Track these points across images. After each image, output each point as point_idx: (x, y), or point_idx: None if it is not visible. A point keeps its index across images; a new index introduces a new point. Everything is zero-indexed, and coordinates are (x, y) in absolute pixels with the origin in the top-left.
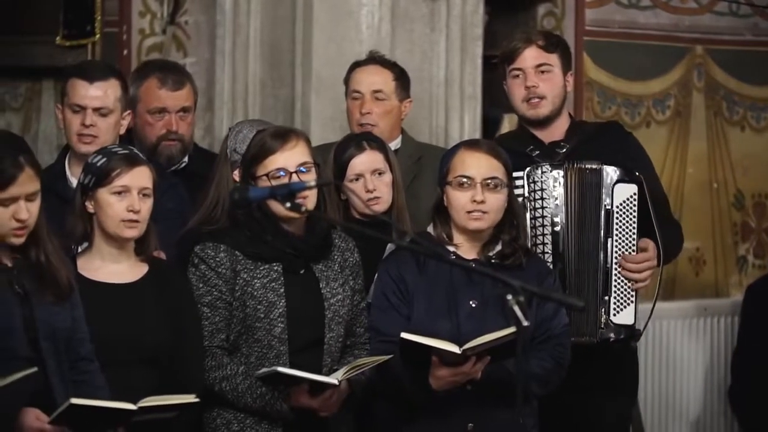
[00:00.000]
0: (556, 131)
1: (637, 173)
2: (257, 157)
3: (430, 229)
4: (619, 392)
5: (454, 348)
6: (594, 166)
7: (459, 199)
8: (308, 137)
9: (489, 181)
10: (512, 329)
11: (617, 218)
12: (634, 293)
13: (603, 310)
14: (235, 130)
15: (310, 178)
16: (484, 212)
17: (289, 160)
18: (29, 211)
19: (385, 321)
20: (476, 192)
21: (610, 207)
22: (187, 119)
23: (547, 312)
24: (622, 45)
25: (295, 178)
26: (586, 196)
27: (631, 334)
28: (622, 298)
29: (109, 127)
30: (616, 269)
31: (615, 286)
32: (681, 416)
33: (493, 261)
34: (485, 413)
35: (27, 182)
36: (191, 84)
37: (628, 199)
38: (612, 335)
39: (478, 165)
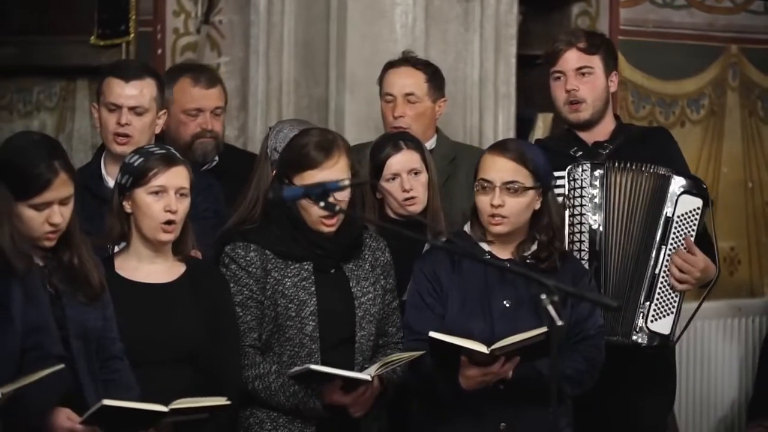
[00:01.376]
0: (601, 132)
1: (704, 186)
2: (297, 166)
3: (467, 228)
4: (657, 394)
5: (482, 348)
6: (663, 172)
7: (481, 203)
8: (348, 144)
9: (509, 185)
10: (542, 330)
11: (675, 228)
12: (676, 305)
13: (642, 314)
14: (275, 130)
15: (344, 195)
16: (503, 216)
17: (328, 177)
18: (62, 216)
19: (419, 319)
20: (494, 196)
21: (671, 215)
22: (220, 118)
23: (582, 313)
24: (657, 44)
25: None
26: (646, 199)
27: (664, 343)
28: (663, 306)
29: (144, 126)
30: (663, 278)
31: (659, 294)
32: (715, 416)
33: (528, 261)
34: (518, 413)
35: (61, 187)
36: (222, 84)
37: (691, 212)
38: (645, 340)
39: (498, 169)
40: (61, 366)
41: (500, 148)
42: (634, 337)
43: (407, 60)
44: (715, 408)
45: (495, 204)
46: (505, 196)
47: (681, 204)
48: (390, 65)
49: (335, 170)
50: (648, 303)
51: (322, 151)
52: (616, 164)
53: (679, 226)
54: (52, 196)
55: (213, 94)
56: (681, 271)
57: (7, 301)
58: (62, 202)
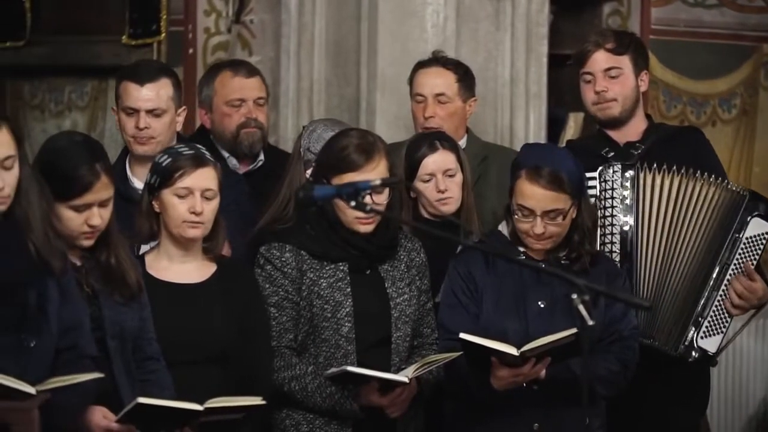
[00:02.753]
0: (632, 132)
1: None
2: (336, 168)
3: (501, 227)
4: (691, 397)
5: (512, 350)
6: (740, 190)
7: (520, 225)
8: (387, 146)
9: (549, 213)
10: (572, 331)
11: (741, 250)
12: (728, 325)
13: (694, 328)
14: (309, 129)
15: (383, 199)
16: (545, 239)
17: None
18: (101, 217)
19: (454, 319)
20: (536, 224)
21: (739, 236)
22: (263, 109)
23: (616, 313)
24: (688, 44)
25: (368, 198)
26: (717, 212)
27: (708, 360)
28: (715, 324)
29: (163, 127)
30: (721, 296)
31: (713, 312)
32: (746, 414)
33: (562, 261)
34: (551, 413)
35: (102, 190)
36: (261, 76)
37: (759, 236)
38: (692, 355)
39: (537, 198)
40: (99, 375)
41: (535, 174)
42: (683, 351)
43: (437, 60)
44: (747, 407)
45: (537, 232)
46: (546, 222)
47: (752, 226)
48: (420, 65)
49: (375, 173)
50: (701, 319)
51: (363, 154)
52: (648, 166)
53: (746, 248)
54: (92, 198)
55: (254, 83)
56: (740, 296)
57: (43, 301)
58: (102, 204)
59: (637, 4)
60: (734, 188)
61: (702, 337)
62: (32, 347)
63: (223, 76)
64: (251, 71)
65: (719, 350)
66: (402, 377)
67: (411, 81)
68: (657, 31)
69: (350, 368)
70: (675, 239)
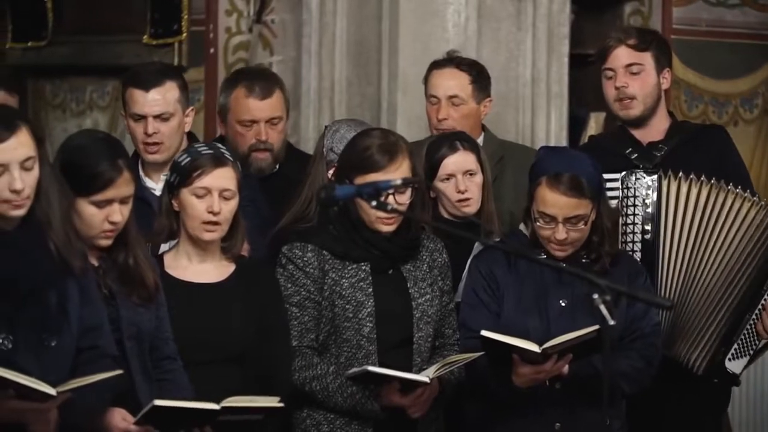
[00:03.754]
0: (654, 131)
1: None
2: (359, 168)
3: (522, 227)
4: (711, 401)
5: (533, 347)
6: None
7: (542, 232)
8: (410, 146)
9: (571, 219)
10: (593, 328)
11: None
12: (757, 347)
13: (723, 350)
14: (332, 129)
15: (405, 199)
16: (567, 245)
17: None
18: (122, 215)
19: (475, 317)
20: (557, 231)
21: None
22: (277, 127)
23: (637, 311)
24: (710, 43)
25: (390, 198)
26: (749, 232)
27: (732, 381)
28: (745, 347)
29: (172, 130)
30: (754, 319)
31: (745, 334)
32: None
33: (584, 260)
34: (573, 413)
35: (123, 186)
36: (281, 90)
37: None
38: (717, 377)
39: (559, 206)
40: (120, 372)
41: (556, 181)
42: (708, 370)
43: (451, 60)
44: None
45: (559, 239)
46: (568, 228)
47: None
48: (435, 65)
49: (398, 174)
50: (733, 339)
51: (386, 155)
52: (672, 173)
53: None
54: (114, 194)
55: (266, 105)
56: None
57: (64, 301)
58: (123, 201)
59: (658, 3)
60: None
61: (730, 359)
62: (53, 346)
63: (238, 93)
64: (267, 90)
65: (743, 371)
66: (423, 377)
67: (425, 81)
68: (678, 30)
69: (371, 368)
70: (701, 250)
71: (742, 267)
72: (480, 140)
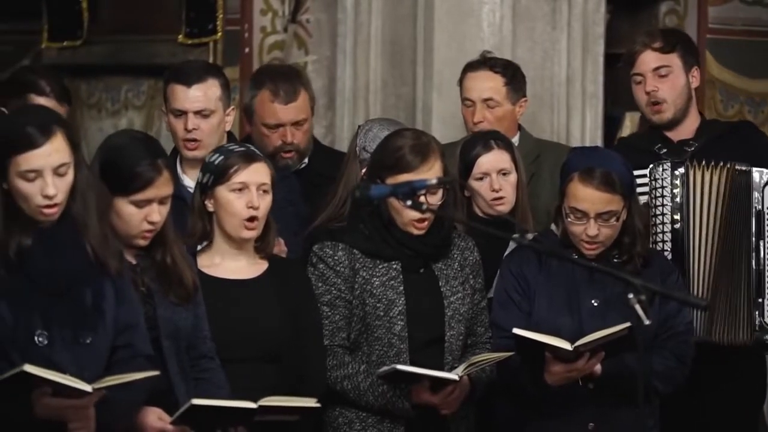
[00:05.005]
0: (685, 130)
1: None
2: (391, 168)
3: (554, 226)
4: (747, 393)
5: (565, 345)
6: (743, 168)
7: (573, 228)
8: (441, 146)
9: (603, 215)
10: (625, 325)
11: None
12: None
13: (757, 312)
14: (365, 129)
15: (437, 199)
16: (598, 242)
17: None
18: (161, 215)
19: (506, 317)
20: (589, 226)
21: (761, 209)
22: (302, 128)
23: (670, 310)
24: (745, 43)
25: (421, 198)
26: (732, 197)
27: None
28: None
29: (212, 128)
30: None
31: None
32: None
33: (615, 260)
34: (606, 413)
35: (163, 186)
36: (306, 90)
37: None
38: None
39: (591, 201)
40: (156, 372)
41: (588, 176)
42: (757, 337)
43: (485, 62)
44: None
45: (591, 235)
46: (599, 225)
47: None
48: (469, 68)
49: (430, 174)
50: (761, 300)
51: (419, 155)
52: (698, 162)
53: None
54: (153, 194)
55: (291, 109)
56: None
57: (100, 300)
58: (162, 201)
59: (694, 2)
60: (739, 167)
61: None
62: (88, 344)
63: (263, 96)
64: (292, 94)
65: None
66: (452, 375)
67: (460, 83)
68: (714, 30)
69: (400, 366)
70: (728, 236)
71: (740, 230)
72: (516, 139)
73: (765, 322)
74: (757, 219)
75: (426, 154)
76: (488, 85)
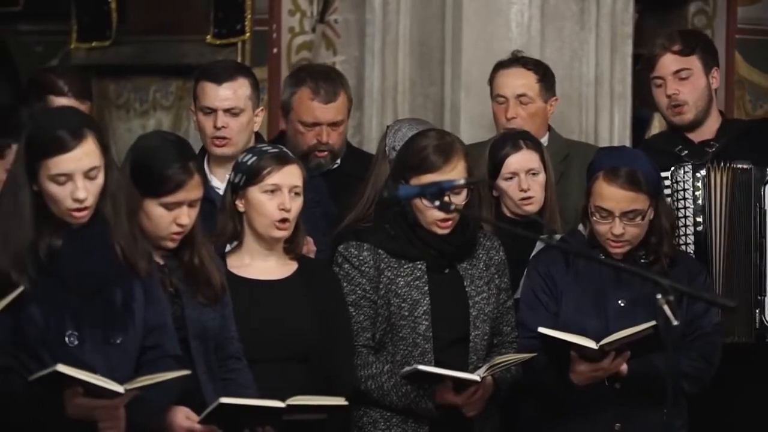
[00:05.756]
0: (707, 131)
1: None
2: (415, 168)
3: (581, 227)
4: None
5: (591, 343)
6: (744, 166)
7: (599, 227)
8: (465, 146)
9: (628, 214)
10: (650, 324)
11: None
12: None
13: (758, 310)
14: (394, 129)
15: (461, 199)
16: (624, 241)
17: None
18: (190, 217)
19: (533, 317)
20: (614, 225)
21: (763, 206)
22: (338, 129)
23: (697, 310)
24: None
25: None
26: (736, 196)
27: None
28: None
29: (241, 126)
30: None
31: None
32: None
33: (642, 260)
34: (633, 413)
35: (193, 188)
36: (345, 92)
37: None
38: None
39: (616, 199)
40: (187, 372)
41: (613, 175)
42: (758, 334)
43: (518, 60)
44: None
45: (616, 233)
46: (625, 224)
47: None
48: (500, 66)
49: (454, 174)
50: (761, 297)
51: (442, 155)
52: (717, 164)
53: None
54: (183, 197)
55: (330, 109)
56: None
57: (129, 300)
58: (191, 204)
59: (723, 3)
60: (741, 165)
61: None
62: (118, 344)
63: (303, 93)
64: (332, 94)
65: None
66: (474, 376)
67: (491, 82)
68: (743, 30)
69: (421, 367)
70: (737, 235)
71: (747, 229)
72: (545, 139)
73: (766, 319)
74: (761, 217)
75: (449, 154)
76: (521, 81)
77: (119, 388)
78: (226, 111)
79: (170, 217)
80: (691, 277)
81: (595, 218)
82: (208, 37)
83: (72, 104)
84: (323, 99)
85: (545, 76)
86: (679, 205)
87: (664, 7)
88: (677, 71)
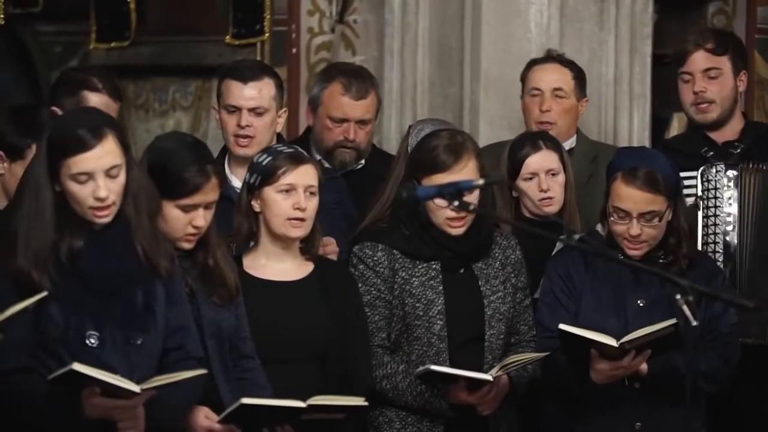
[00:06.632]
0: (729, 132)
1: None
2: (426, 168)
3: (599, 227)
4: None
5: (611, 341)
6: (765, 167)
7: (616, 228)
8: (478, 146)
9: (646, 215)
10: (670, 322)
11: None
12: None
13: None
14: (416, 129)
15: (472, 199)
16: (641, 242)
17: (457, 180)
18: (205, 219)
19: (552, 317)
20: (632, 226)
21: None
22: (366, 128)
23: (716, 310)
24: None
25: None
26: (766, 197)
27: None
28: None
29: (265, 126)
30: None
31: None
32: None
33: (661, 260)
34: (653, 413)
35: (210, 191)
36: (375, 92)
37: None
38: None
39: (633, 200)
40: (203, 371)
41: (631, 176)
42: None
43: (554, 57)
44: None
45: (633, 234)
46: (642, 225)
47: None
48: (535, 62)
49: (464, 173)
50: None
51: (452, 155)
52: (749, 165)
53: None
54: (200, 199)
55: (360, 106)
56: None
57: (150, 301)
58: (207, 206)
59: (742, 3)
60: (764, 167)
61: None
62: (139, 345)
63: (334, 88)
64: (363, 91)
65: None
66: (486, 375)
67: (524, 77)
68: (763, 30)
69: (434, 367)
70: (762, 235)
71: None
72: (573, 140)
73: None
74: None
75: (459, 153)
76: (558, 76)
77: (135, 388)
78: (251, 110)
79: (186, 219)
80: (710, 277)
81: (612, 218)
82: (227, 37)
83: (105, 101)
84: (354, 95)
85: (579, 75)
86: (709, 204)
87: (684, 7)
88: (707, 69)
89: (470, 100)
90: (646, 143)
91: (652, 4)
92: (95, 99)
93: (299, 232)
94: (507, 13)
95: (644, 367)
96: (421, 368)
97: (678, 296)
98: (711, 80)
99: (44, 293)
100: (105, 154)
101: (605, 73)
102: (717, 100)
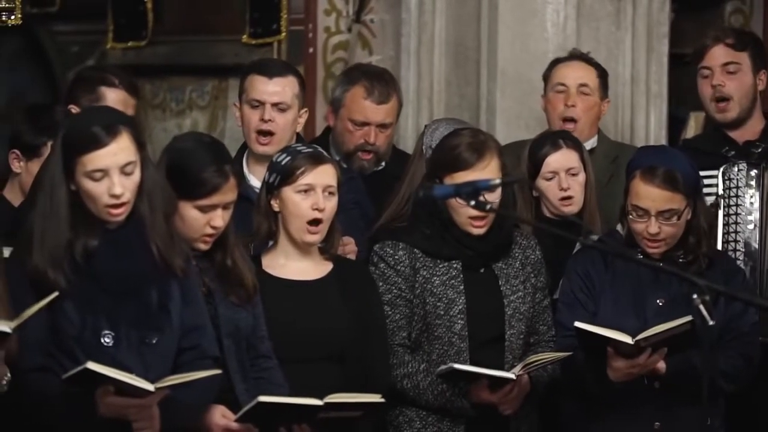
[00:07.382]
0: (750, 131)
1: None
2: (448, 167)
3: (619, 227)
4: None
5: (627, 338)
6: None
7: (635, 226)
8: (499, 145)
9: (664, 213)
10: (686, 319)
11: None
12: None
13: None
14: (431, 128)
15: (494, 198)
16: (660, 240)
17: (480, 178)
18: (223, 220)
19: (571, 317)
20: (650, 224)
21: None
22: (386, 132)
23: (736, 309)
24: None
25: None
26: None
27: None
28: None
29: (286, 123)
30: None
31: None
32: None
33: (680, 260)
34: (672, 412)
35: (228, 192)
36: (397, 96)
37: None
38: None
39: (652, 198)
40: (218, 371)
41: (650, 174)
42: None
43: (578, 56)
44: None
45: (652, 233)
46: (661, 223)
47: None
48: (559, 60)
49: (487, 172)
50: None
51: (475, 153)
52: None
53: None
54: (218, 200)
55: (382, 110)
56: None
57: (166, 301)
58: (225, 207)
59: (759, 2)
60: None
61: None
62: (154, 344)
63: (356, 91)
64: (385, 95)
65: None
66: (509, 374)
67: (548, 76)
68: None
69: (457, 365)
70: None
71: None
72: (594, 140)
73: None
74: None
75: (482, 151)
76: (583, 73)
77: (150, 386)
78: (274, 105)
79: (204, 220)
80: (729, 276)
81: (631, 217)
82: (244, 36)
83: (122, 97)
84: (376, 99)
85: (603, 75)
86: (731, 202)
87: (701, 6)
88: (726, 63)
89: (487, 99)
90: (663, 142)
91: (669, 3)
92: (112, 95)
93: (316, 238)
94: (523, 12)
95: (662, 366)
96: (443, 367)
97: (695, 296)
98: (729, 75)
99: (55, 294)
100: (120, 150)
101: (622, 72)
102: (735, 96)
